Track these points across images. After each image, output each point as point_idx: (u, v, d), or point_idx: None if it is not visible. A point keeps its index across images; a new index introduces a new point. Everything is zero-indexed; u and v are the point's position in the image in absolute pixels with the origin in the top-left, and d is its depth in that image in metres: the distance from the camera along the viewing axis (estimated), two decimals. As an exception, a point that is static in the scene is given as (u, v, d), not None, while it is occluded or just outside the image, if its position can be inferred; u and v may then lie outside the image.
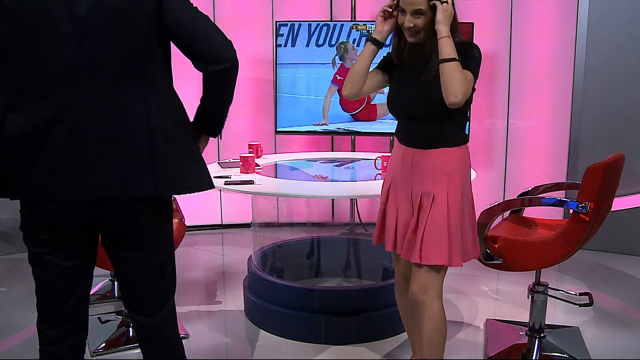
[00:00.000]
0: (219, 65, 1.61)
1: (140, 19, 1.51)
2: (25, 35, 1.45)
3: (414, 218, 1.99)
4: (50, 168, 1.47)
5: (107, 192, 1.51)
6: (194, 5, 1.62)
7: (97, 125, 1.49)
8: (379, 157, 3.06)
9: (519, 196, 2.71)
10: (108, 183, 1.50)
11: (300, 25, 4.12)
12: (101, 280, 3.34)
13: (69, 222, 1.53)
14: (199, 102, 1.75)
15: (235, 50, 1.66)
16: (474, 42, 2.07)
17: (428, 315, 1.98)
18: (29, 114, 1.47)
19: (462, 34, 2.03)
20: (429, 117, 1.97)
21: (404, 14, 1.91)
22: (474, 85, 1.92)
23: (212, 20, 1.65)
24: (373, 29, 3.98)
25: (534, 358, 2.54)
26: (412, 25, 1.90)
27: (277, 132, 4.25)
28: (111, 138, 1.50)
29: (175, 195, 2.85)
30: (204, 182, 1.70)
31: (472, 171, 2.30)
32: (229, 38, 1.67)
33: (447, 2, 1.86)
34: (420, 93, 1.96)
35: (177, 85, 1.77)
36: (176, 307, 1.85)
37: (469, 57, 1.90)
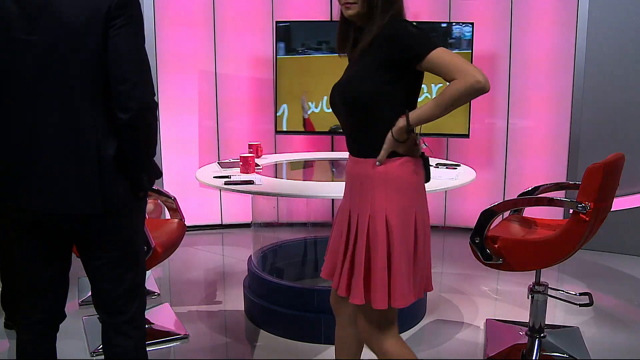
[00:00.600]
0: (122, 114, 1.52)
1: (90, 39, 1.51)
2: None
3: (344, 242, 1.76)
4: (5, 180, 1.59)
5: (53, 208, 1.58)
6: (142, 36, 1.58)
7: (50, 144, 1.54)
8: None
9: (519, 196, 2.71)
10: (56, 200, 1.57)
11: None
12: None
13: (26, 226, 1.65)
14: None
15: (149, 106, 1.55)
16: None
17: None
18: None
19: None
20: (344, 111, 1.73)
21: None
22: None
23: (148, 62, 1.58)
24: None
25: (534, 358, 2.53)
26: None
27: (277, 132, 4.25)
28: (62, 157, 1.55)
29: (175, 195, 2.88)
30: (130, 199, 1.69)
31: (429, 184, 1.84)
32: (152, 87, 1.58)
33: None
34: (345, 81, 1.73)
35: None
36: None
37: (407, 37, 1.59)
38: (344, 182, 1.87)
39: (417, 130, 1.71)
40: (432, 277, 1.87)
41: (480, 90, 1.53)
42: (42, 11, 1.49)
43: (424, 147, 1.81)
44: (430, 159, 1.82)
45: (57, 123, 1.54)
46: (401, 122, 1.63)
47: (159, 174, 1.79)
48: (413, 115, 1.63)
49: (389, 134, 1.65)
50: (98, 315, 1.81)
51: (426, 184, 1.79)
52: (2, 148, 1.59)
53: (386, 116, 1.66)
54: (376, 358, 1.82)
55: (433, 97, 1.80)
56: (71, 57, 1.51)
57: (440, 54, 1.56)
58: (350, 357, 1.99)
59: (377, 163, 1.67)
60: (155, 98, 1.61)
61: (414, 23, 1.67)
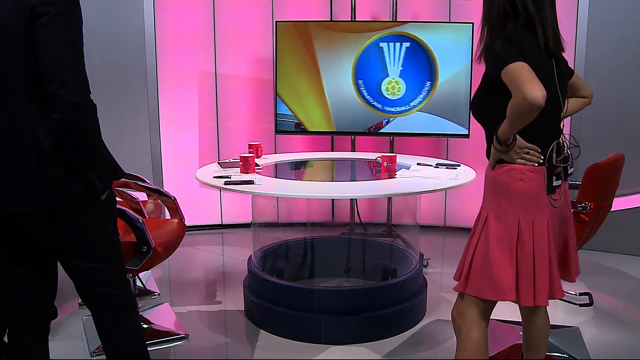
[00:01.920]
0: (54, 115, 1.50)
1: (16, 38, 1.50)
2: None
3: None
4: None
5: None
6: (75, 29, 1.54)
7: None
8: (379, 157, 3.06)
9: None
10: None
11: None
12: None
13: None
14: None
15: (80, 106, 1.52)
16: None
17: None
18: None
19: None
20: (478, 119, 1.91)
21: None
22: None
23: (81, 58, 1.54)
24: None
25: (534, 358, 2.53)
26: None
27: (277, 132, 4.25)
28: (1, 155, 1.56)
29: (175, 196, 2.88)
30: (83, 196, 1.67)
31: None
32: (86, 83, 1.55)
33: None
34: (473, 100, 1.94)
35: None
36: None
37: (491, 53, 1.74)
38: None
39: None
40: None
41: (527, 107, 1.61)
42: None
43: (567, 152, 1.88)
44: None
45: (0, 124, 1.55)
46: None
47: (117, 174, 1.75)
48: (499, 127, 1.75)
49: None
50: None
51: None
52: None
53: (494, 125, 1.79)
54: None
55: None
56: (6, 58, 1.51)
57: (507, 72, 1.65)
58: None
59: (491, 168, 1.84)
60: (90, 97, 1.57)
61: (508, 38, 1.74)
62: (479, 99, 1.88)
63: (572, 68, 2.06)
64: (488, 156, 1.87)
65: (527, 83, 1.60)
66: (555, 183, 1.81)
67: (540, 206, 1.78)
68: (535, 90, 1.58)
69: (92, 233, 1.72)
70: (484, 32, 1.85)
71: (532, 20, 1.81)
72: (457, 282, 1.91)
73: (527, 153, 1.76)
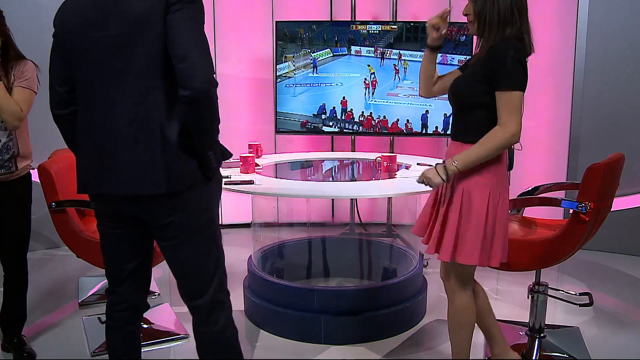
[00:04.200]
0: (185, 91, 1.57)
1: (154, 26, 1.59)
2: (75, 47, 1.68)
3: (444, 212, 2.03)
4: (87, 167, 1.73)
5: (124, 189, 1.66)
6: (199, 20, 1.64)
7: (122, 129, 1.64)
8: (379, 157, 3.06)
9: (518, 196, 2.71)
10: (126, 181, 1.65)
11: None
12: (101, 280, 3.35)
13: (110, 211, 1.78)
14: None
15: (211, 82, 1.60)
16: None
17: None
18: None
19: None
20: (458, 107, 2.04)
21: None
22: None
23: (206, 43, 1.63)
24: (373, 28, 4.01)
25: (534, 358, 2.54)
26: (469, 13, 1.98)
27: (277, 132, 4.25)
28: (132, 140, 1.63)
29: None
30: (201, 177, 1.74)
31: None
32: (212, 62, 1.64)
33: None
34: (456, 82, 2.04)
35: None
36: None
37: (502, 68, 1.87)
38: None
39: None
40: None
41: (511, 142, 1.88)
42: (115, 7, 1.60)
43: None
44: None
45: (128, 109, 1.62)
46: None
47: (227, 153, 1.83)
48: (466, 155, 1.94)
49: None
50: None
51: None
52: (85, 137, 1.71)
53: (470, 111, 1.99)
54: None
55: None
56: (138, 47, 1.60)
57: (513, 97, 1.87)
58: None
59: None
60: (215, 76, 1.66)
61: (523, 58, 1.90)
62: (471, 88, 1.95)
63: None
64: (456, 137, 2.03)
65: (520, 118, 1.85)
66: None
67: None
68: (520, 126, 1.85)
69: (206, 215, 1.77)
70: (485, 32, 1.93)
71: (524, 29, 1.92)
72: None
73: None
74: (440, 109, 4.04)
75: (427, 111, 4.06)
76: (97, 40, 1.63)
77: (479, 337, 2.79)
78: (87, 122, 1.70)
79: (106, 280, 1.91)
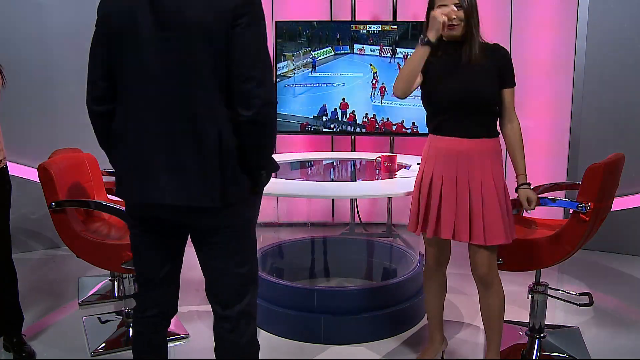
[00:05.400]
0: (247, 112, 1.55)
1: (216, 36, 1.53)
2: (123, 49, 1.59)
3: (467, 202, 2.12)
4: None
5: (175, 199, 1.62)
6: (265, 37, 1.59)
7: (176, 139, 1.59)
8: (379, 157, 3.06)
9: (519, 196, 2.71)
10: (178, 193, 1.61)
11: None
12: (101, 280, 3.35)
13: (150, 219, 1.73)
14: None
15: (272, 103, 1.60)
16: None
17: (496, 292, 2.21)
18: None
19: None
20: (476, 106, 2.13)
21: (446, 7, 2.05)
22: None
23: (269, 61, 1.59)
24: (373, 28, 4.00)
25: (534, 358, 2.54)
26: (455, 17, 2.05)
27: (277, 132, 4.24)
28: (188, 152, 1.59)
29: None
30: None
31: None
32: (273, 85, 1.62)
33: None
34: (469, 82, 2.10)
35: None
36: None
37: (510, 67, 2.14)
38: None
39: None
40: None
41: None
42: (174, 15, 1.53)
43: None
44: None
45: (183, 120, 1.57)
46: None
47: (276, 168, 1.82)
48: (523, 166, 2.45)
49: None
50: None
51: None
52: (126, 141, 1.64)
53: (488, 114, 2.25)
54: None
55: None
56: (196, 54, 1.53)
57: (512, 92, 2.20)
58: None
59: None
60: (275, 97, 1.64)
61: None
62: (493, 90, 2.12)
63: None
64: (463, 135, 2.13)
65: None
66: None
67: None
68: None
69: (248, 228, 1.76)
70: (473, 34, 2.09)
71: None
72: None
73: None
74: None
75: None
76: (148, 40, 1.55)
77: (479, 337, 2.79)
78: (131, 125, 1.62)
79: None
